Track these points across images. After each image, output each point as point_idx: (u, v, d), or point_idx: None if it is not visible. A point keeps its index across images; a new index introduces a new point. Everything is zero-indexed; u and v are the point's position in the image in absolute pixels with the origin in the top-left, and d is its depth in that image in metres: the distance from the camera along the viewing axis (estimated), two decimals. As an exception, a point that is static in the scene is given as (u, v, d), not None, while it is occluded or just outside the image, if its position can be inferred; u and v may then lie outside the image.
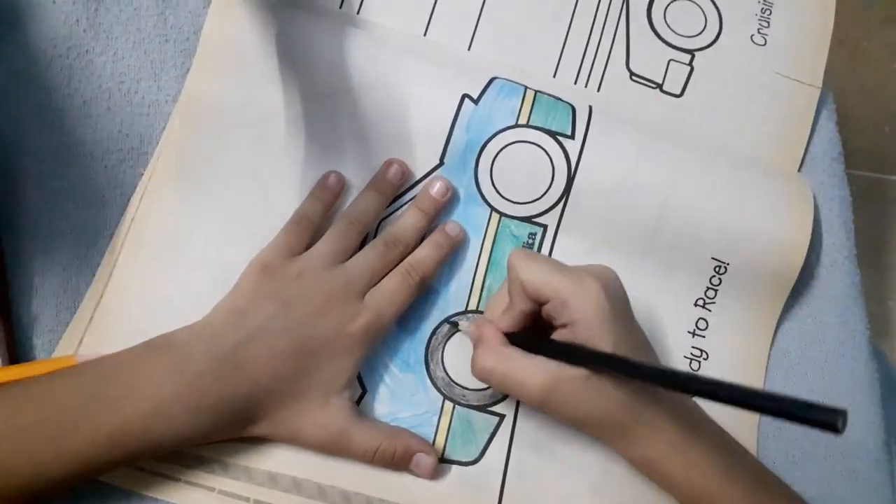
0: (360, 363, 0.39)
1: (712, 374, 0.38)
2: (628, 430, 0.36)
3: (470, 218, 0.45)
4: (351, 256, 0.41)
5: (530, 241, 0.45)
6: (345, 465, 0.40)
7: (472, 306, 0.44)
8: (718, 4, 0.50)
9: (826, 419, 0.25)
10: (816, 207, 0.46)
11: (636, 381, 0.35)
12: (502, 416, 0.43)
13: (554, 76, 0.47)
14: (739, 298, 0.45)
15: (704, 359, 0.45)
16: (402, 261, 0.42)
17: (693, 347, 0.45)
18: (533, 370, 0.36)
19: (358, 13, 0.47)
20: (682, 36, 0.49)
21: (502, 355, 0.37)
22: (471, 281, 0.44)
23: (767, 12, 0.50)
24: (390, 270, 0.41)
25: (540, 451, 0.43)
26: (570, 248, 0.45)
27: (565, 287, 0.36)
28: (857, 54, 1.00)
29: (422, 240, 0.43)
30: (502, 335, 0.38)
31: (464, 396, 0.43)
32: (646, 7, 0.49)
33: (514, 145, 0.45)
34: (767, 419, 0.43)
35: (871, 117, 0.97)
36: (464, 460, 0.42)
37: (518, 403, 0.43)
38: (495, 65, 0.47)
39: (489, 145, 0.45)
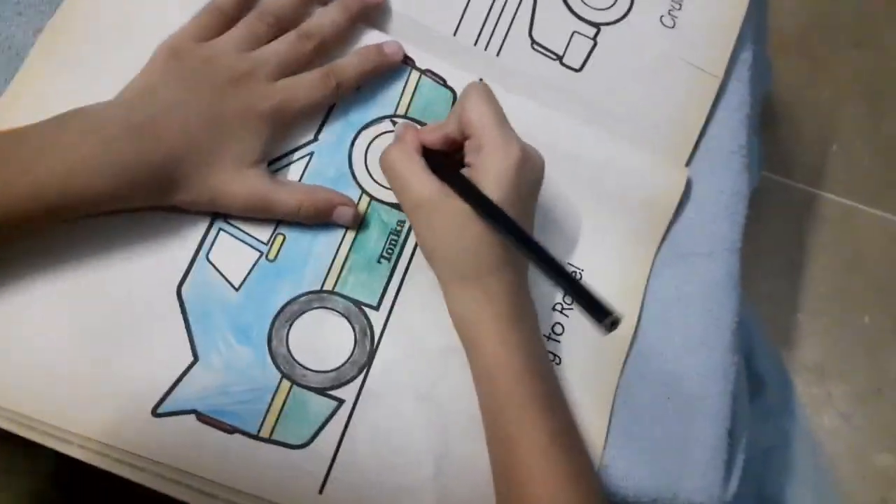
0: (269, 143, 0.40)
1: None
2: (468, 279, 0.38)
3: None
4: None
5: (398, 228, 0.43)
6: (169, 440, 0.37)
7: (329, 286, 0.42)
8: (630, -24, 0.49)
9: (599, 317, 0.33)
10: (690, 198, 0.46)
11: (503, 235, 0.37)
12: (341, 402, 0.40)
13: (454, 34, 0.46)
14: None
15: (557, 363, 0.42)
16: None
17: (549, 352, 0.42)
18: (425, 181, 0.38)
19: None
20: (590, 7, 0.48)
21: (409, 156, 0.39)
22: (331, 261, 0.42)
23: (680, -7, 0.49)
24: (305, 68, 0.42)
25: (376, 440, 0.39)
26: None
27: (491, 136, 0.38)
28: (820, 70, 1.03)
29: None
30: (419, 144, 0.40)
31: (304, 377, 0.40)
32: None
33: (389, 134, 0.44)
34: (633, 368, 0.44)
35: (821, 133, 0.97)
36: (292, 443, 0.39)
37: (360, 388, 0.40)
38: (398, 17, 0.46)
39: (367, 130, 0.44)
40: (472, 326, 0.38)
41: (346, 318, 0.42)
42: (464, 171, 0.39)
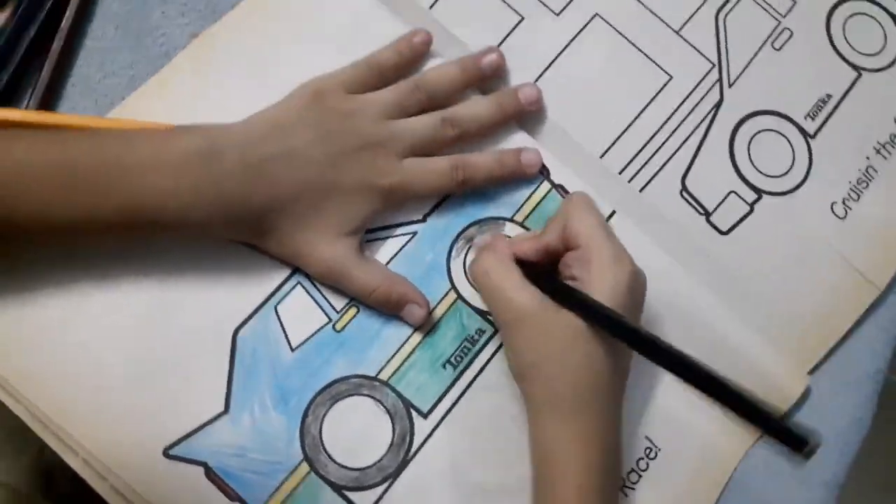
0: (373, 217, 0.39)
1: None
2: (565, 408, 0.35)
3: (425, 286, 0.40)
4: None
5: (476, 336, 0.40)
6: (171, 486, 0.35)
7: (384, 376, 0.39)
8: (814, 150, 0.44)
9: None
10: (800, 409, 0.40)
11: (632, 345, 0.35)
12: (354, 509, 0.37)
13: (602, 156, 0.43)
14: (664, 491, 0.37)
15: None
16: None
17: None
18: (528, 293, 0.36)
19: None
20: (759, 172, 0.43)
21: (507, 266, 0.37)
22: (396, 349, 0.39)
23: (864, 184, 0.44)
24: (439, 152, 0.40)
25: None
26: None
27: (602, 250, 0.35)
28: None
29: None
30: (512, 254, 0.38)
31: (325, 466, 0.37)
32: (732, 127, 0.44)
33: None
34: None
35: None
36: (288, 535, 0.36)
37: (378, 500, 0.37)
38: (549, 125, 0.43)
39: (477, 226, 0.42)
40: (555, 467, 0.35)
41: (391, 416, 0.38)
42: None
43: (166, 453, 0.36)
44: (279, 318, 0.39)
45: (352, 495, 0.37)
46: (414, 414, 0.39)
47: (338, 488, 0.37)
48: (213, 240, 0.38)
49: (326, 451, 0.37)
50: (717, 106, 0.43)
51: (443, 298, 0.40)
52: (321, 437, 0.38)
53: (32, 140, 0.34)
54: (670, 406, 0.40)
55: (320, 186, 0.37)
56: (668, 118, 0.43)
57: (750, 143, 0.43)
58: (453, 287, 0.41)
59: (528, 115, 0.42)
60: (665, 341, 0.34)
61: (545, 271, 0.38)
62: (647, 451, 0.40)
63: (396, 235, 0.41)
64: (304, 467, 0.37)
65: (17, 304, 0.37)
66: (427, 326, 0.40)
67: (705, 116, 0.43)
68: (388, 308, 0.39)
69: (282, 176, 0.36)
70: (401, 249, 0.41)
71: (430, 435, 0.38)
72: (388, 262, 0.40)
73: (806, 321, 0.42)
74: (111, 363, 0.37)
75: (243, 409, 0.37)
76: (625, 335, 0.34)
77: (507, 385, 0.39)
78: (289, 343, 0.39)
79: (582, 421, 0.35)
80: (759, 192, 0.43)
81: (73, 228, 0.33)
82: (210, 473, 0.36)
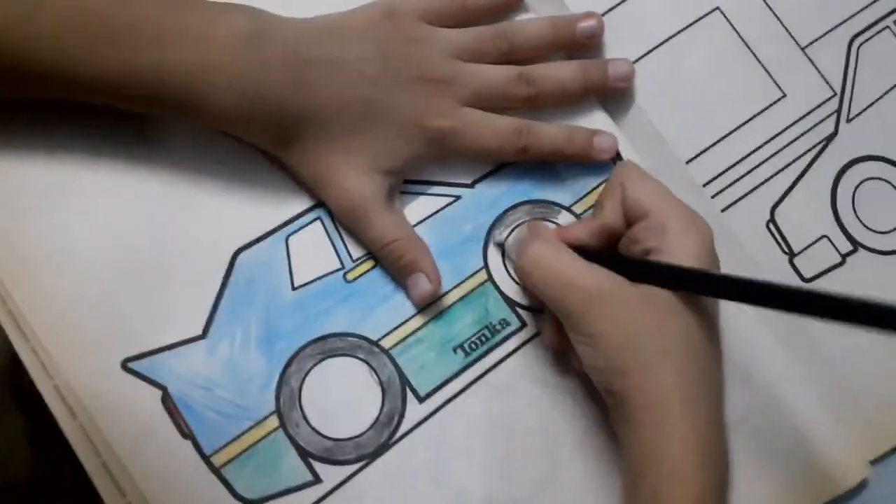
0: (415, 161, 0.34)
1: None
2: (671, 399, 0.28)
3: (457, 258, 0.36)
4: None
5: (497, 327, 0.35)
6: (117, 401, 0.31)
7: (386, 344, 0.34)
8: None
9: None
10: (850, 499, 0.34)
11: (748, 300, 0.29)
12: (317, 481, 0.32)
13: (687, 162, 0.38)
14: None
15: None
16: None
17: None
18: (592, 271, 0.30)
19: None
20: (860, 222, 0.38)
21: (559, 250, 0.31)
22: (406, 318, 0.35)
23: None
24: (506, 111, 0.35)
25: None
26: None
27: (676, 213, 0.31)
28: None
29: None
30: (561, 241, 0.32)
31: (296, 426, 0.32)
32: (841, 166, 0.38)
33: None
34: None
35: None
36: (237, 490, 0.31)
37: (345, 480, 0.32)
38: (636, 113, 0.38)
39: (528, 207, 0.37)
40: (662, 477, 0.28)
41: (383, 390, 0.33)
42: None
43: (125, 365, 0.32)
44: (288, 250, 0.34)
45: (318, 466, 0.32)
46: (409, 394, 0.34)
47: (304, 454, 0.32)
48: (235, 140, 0.33)
49: (302, 410, 0.33)
50: (829, 139, 0.38)
51: (471, 276, 0.36)
52: (300, 393, 0.33)
53: None
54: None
55: (365, 109, 0.33)
56: (771, 139, 0.38)
57: (857, 188, 0.38)
58: (486, 267, 0.36)
59: (613, 95, 0.37)
60: (781, 283, 0.29)
61: (608, 253, 0.33)
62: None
63: (437, 195, 0.36)
64: (273, 421, 0.32)
65: (2, 164, 0.33)
66: (445, 303, 0.35)
67: (813, 147, 0.38)
68: (396, 268, 0.34)
69: (326, 84, 0.32)
70: (438, 211, 0.36)
71: (421, 422, 0.33)
72: (420, 222, 0.36)
73: (880, 407, 0.36)
74: (91, 254, 0.33)
75: (222, 339, 0.33)
76: (738, 290, 0.29)
77: (524, 390, 0.34)
78: (291, 280, 0.34)
79: (694, 415, 0.28)
80: (856, 245, 0.37)
81: (92, 86, 0.30)
82: (167, 401, 0.32)
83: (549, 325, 0.33)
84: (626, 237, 0.33)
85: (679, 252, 0.30)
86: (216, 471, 0.31)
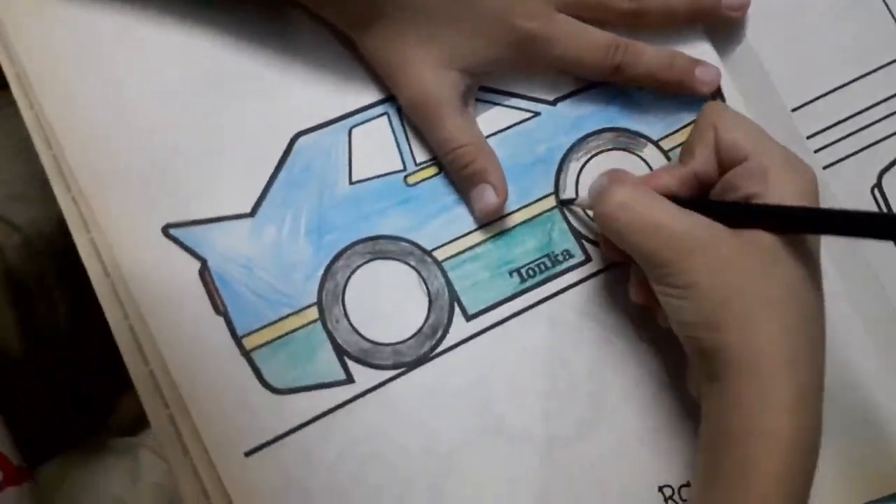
0: (495, 65, 0.32)
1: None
2: (767, 360, 0.25)
3: (526, 178, 0.33)
4: None
5: (560, 258, 0.32)
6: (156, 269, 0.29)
7: (439, 256, 0.32)
8: None
9: None
10: None
11: (871, 234, 0.26)
12: (350, 381, 0.30)
13: (793, 110, 0.35)
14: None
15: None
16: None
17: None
18: (687, 217, 0.27)
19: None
20: None
21: (648, 194, 0.28)
22: (465, 232, 0.32)
23: None
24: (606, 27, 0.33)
25: (350, 451, 0.29)
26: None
27: (776, 155, 0.28)
28: None
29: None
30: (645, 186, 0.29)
31: (336, 322, 0.30)
32: None
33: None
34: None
35: None
36: (265, 377, 0.29)
37: (379, 385, 0.30)
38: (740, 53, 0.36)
39: (613, 134, 0.34)
40: (751, 444, 0.25)
41: (430, 301, 0.31)
42: None
43: (166, 231, 0.30)
44: (350, 142, 0.32)
45: (353, 367, 0.30)
46: (457, 310, 0.31)
47: (341, 352, 0.30)
48: (308, 16, 0.31)
49: (344, 307, 0.31)
50: (958, 104, 0.34)
51: (539, 200, 0.33)
52: (344, 289, 0.31)
53: None
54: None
55: (452, 2, 0.30)
56: (891, 97, 0.34)
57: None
58: (556, 192, 0.33)
59: (724, 26, 0.34)
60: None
61: (700, 202, 0.30)
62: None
63: (515, 108, 0.34)
64: (313, 313, 0.30)
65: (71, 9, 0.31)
66: (508, 223, 0.32)
67: (938, 110, 0.34)
68: (461, 176, 0.32)
69: None
70: (514, 125, 0.33)
71: (465, 340, 0.31)
72: (492, 134, 0.33)
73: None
74: (147, 114, 0.31)
75: (270, 221, 0.31)
76: (859, 223, 0.26)
77: (578, 328, 0.32)
78: (350, 174, 0.32)
79: (795, 379, 0.26)
80: None
81: None
82: (205, 273, 0.30)
83: (634, 279, 0.31)
84: (721, 184, 0.30)
85: (783, 195, 0.27)
86: (246, 353, 0.29)
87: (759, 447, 0.25)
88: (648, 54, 0.33)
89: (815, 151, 0.34)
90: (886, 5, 0.35)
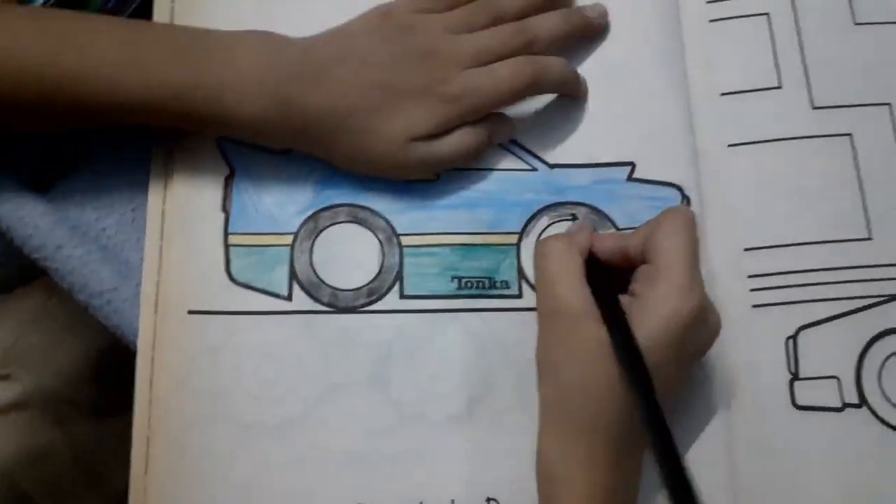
0: (441, 126, 0.37)
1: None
2: (573, 427, 0.32)
3: (504, 213, 0.39)
4: None
5: (500, 285, 0.38)
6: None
7: (404, 242, 0.39)
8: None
9: None
10: None
11: (635, 399, 0.30)
12: (287, 300, 0.37)
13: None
14: None
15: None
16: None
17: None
18: (577, 292, 0.33)
19: None
20: None
21: (571, 257, 0.34)
22: (427, 231, 0.39)
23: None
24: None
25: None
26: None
27: (673, 275, 0.32)
28: None
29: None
30: (587, 248, 0.35)
31: (300, 252, 0.38)
32: None
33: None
34: None
35: None
36: (231, 269, 0.37)
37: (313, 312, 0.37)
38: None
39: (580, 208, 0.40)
40: (558, 488, 0.32)
41: (379, 270, 0.38)
42: (623, 297, 0.34)
43: (217, 141, 0.39)
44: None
45: (296, 290, 0.38)
46: (396, 287, 0.38)
47: (293, 275, 0.38)
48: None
49: (312, 245, 0.38)
50: (893, 298, 0.37)
51: (504, 234, 0.39)
52: (318, 234, 0.38)
53: (103, 22, 0.36)
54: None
55: (382, 91, 0.36)
56: (836, 268, 0.37)
57: (893, 356, 0.36)
58: (521, 234, 0.39)
59: (595, 34, 0.41)
60: (668, 432, 0.29)
61: (607, 278, 0.35)
62: None
63: (518, 157, 0.40)
64: (288, 239, 0.38)
65: None
66: (472, 241, 0.39)
67: (873, 296, 0.37)
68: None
69: (342, 77, 0.35)
70: (514, 170, 0.40)
71: (391, 311, 0.38)
72: (494, 169, 0.40)
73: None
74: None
75: (295, 165, 0.39)
76: (636, 389, 0.30)
77: (483, 344, 0.38)
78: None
79: (594, 443, 0.31)
80: (863, 402, 0.36)
81: (131, 108, 0.34)
82: (230, 180, 0.39)
83: None
84: (635, 272, 0.35)
85: (654, 310, 0.32)
86: (227, 245, 0.38)
87: (562, 491, 0.31)
88: (548, 20, 0.39)
89: (751, 290, 0.38)
90: (863, 194, 0.38)
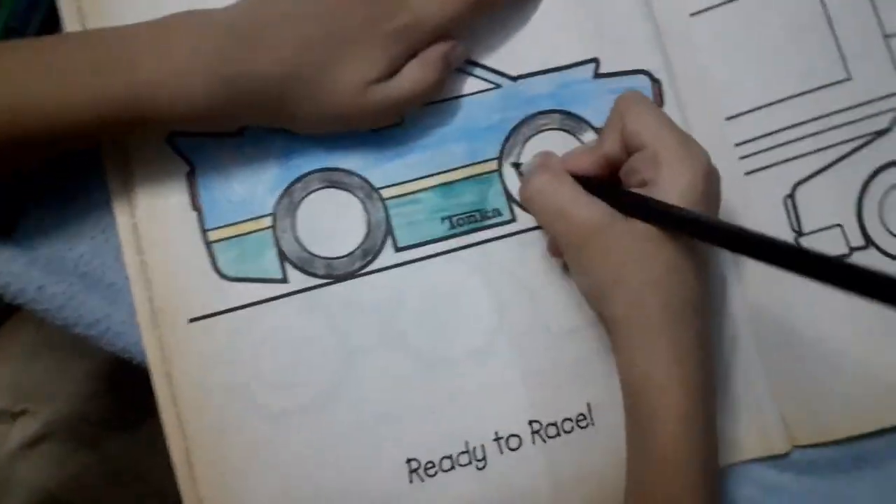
0: (394, 64, 0.35)
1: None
2: (653, 325, 0.31)
3: (477, 141, 0.38)
4: None
5: (491, 214, 0.37)
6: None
7: (385, 195, 0.37)
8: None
9: None
10: None
11: (720, 243, 0.30)
12: (283, 282, 0.36)
13: (727, 119, 0.38)
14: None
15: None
16: None
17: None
18: (592, 205, 0.32)
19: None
20: (883, 225, 0.37)
21: (562, 182, 0.33)
22: (410, 178, 0.38)
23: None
24: None
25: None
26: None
27: (670, 144, 0.32)
28: None
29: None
30: (566, 171, 0.34)
31: (283, 231, 0.37)
32: (882, 163, 0.37)
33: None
34: None
35: None
36: (219, 266, 0.36)
37: (311, 288, 0.36)
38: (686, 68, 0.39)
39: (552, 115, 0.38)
40: (654, 394, 0.31)
41: (368, 230, 0.37)
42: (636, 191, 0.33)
43: (169, 139, 0.37)
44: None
45: (290, 270, 0.37)
46: (389, 241, 0.37)
47: (283, 257, 0.37)
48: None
49: (294, 221, 0.37)
50: (880, 134, 0.36)
51: (482, 162, 0.38)
52: (297, 207, 0.37)
53: (19, 48, 0.33)
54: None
55: (327, 42, 0.34)
56: (819, 117, 0.37)
57: (890, 190, 0.36)
58: (500, 159, 0.38)
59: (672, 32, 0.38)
60: (752, 230, 0.29)
61: (607, 183, 0.34)
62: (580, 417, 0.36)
63: (480, 77, 0.39)
64: (267, 221, 0.37)
65: None
66: (451, 178, 0.38)
67: (860, 137, 0.36)
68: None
69: (282, 41, 0.33)
70: (476, 93, 0.38)
71: (390, 267, 0.37)
72: (456, 97, 0.38)
73: (829, 401, 0.35)
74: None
75: (254, 142, 0.37)
76: (710, 234, 0.30)
77: (491, 276, 0.37)
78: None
79: (678, 339, 0.31)
80: (869, 242, 0.36)
81: (72, 130, 0.32)
82: (192, 177, 0.37)
83: (552, 241, 0.36)
84: (625, 167, 0.34)
85: (671, 185, 0.31)
86: (208, 243, 0.36)
87: (656, 399, 0.31)
88: None
89: (741, 158, 0.37)
90: (835, 34, 0.37)
